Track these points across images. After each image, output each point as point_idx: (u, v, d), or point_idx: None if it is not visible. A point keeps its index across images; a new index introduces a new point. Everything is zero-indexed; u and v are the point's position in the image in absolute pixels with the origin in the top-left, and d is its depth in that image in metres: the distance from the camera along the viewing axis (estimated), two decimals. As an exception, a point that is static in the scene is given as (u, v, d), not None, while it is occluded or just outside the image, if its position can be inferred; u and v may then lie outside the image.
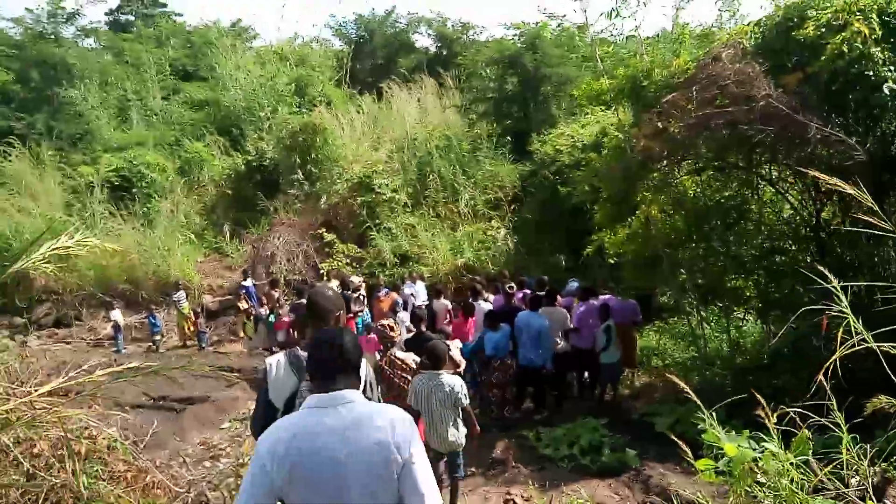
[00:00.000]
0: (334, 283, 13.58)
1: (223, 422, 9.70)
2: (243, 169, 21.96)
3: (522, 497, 5.37)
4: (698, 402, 3.42)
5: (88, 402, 5.28)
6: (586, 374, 10.04)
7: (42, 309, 17.96)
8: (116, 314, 15.20)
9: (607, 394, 9.54)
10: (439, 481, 5.26)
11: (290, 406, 3.05)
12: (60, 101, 24.90)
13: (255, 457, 2.25)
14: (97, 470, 4.23)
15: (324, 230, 18.22)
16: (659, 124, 7.68)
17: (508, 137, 19.85)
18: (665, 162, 8.53)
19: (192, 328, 15.17)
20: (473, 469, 6.37)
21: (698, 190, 9.28)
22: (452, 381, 5.52)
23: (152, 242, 18.84)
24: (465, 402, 5.56)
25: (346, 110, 23.84)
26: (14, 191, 20.51)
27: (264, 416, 3.08)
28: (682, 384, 3.62)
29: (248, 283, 15.24)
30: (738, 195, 8.54)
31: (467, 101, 23.04)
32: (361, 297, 12.63)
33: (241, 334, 14.77)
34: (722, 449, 3.21)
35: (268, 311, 13.60)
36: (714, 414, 3.30)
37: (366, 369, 3.13)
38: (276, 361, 3.24)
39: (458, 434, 5.49)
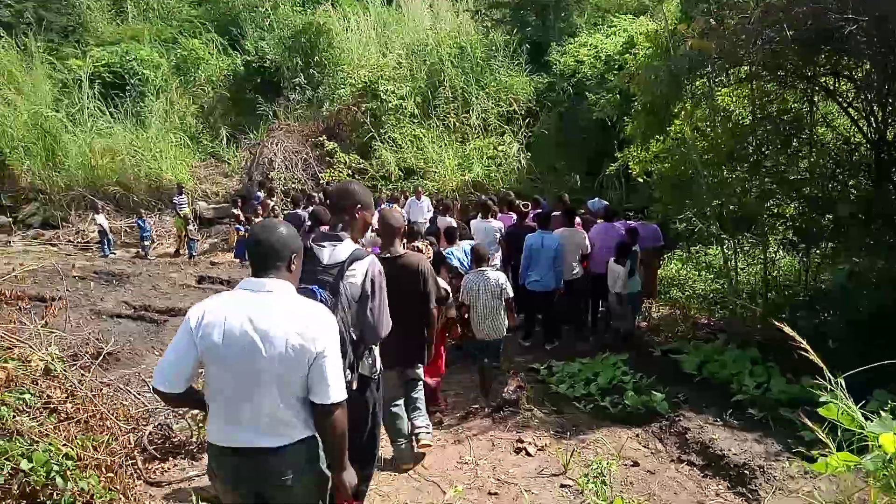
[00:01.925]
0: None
1: (208, 336, 9.00)
2: (242, 70, 20.67)
3: (535, 445, 4.63)
4: (811, 354, 2.46)
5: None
6: (601, 303, 9.25)
7: (29, 209, 17.18)
8: (101, 218, 14.39)
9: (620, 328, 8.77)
10: (483, 373, 6.24)
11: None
12: (50, -12, 23.30)
13: (184, 322, 2.37)
14: (23, 399, 3.44)
15: (325, 138, 17.16)
16: (711, 21, 6.56)
17: (525, 46, 18.40)
18: (711, 68, 7.44)
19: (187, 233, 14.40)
20: (478, 407, 5.61)
21: (745, 102, 8.21)
22: (497, 276, 6.26)
23: (144, 143, 17.86)
24: (510, 293, 6.23)
25: (353, 11, 22.21)
26: (-1, 84, 19.30)
27: None
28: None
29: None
30: (791, 109, 7.46)
31: (483, 6, 21.40)
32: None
33: (233, 244, 13.97)
34: (844, 428, 2.25)
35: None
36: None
37: (370, 270, 3.18)
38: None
39: (504, 322, 6.24)
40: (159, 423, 4.86)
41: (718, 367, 6.82)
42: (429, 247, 7.41)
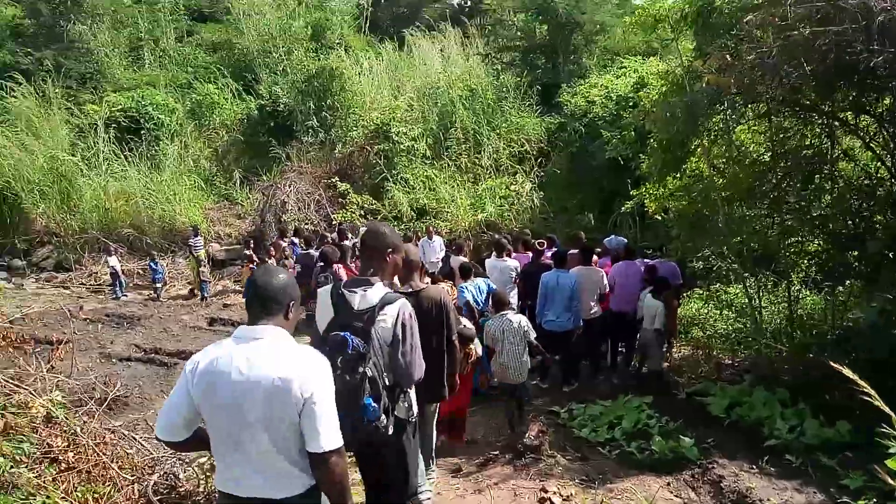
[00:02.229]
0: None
1: (217, 380, 8.80)
2: (256, 114, 20.86)
3: (560, 495, 4.38)
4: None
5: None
6: (621, 343, 9.01)
7: (43, 251, 17.24)
8: (113, 260, 14.38)
9: (646, 366, 8.52)
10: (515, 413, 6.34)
11: (325, 338, 3.06)
12: (70, 37, 23.74)
13: (182, 373, 2.37)
14: (21, 449, 3.26)
15: (337, 179, 17.18)
16: (728, 57, 6.47)
17: (536, 88, 18.51)
18: (728, 104, 7.35)
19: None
20: (497, 453, 5.36)
21: (762, 139, 8.08)
22: (519, 318, 6.33)
23: (158, 186, 17.96)
24: (532, 335, 6.31)
25: (365, 57, 22.51)
26: (18, 128, 19.53)
27: (318, 343, 3.07)
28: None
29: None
30: (811, 145, 7.30)
31: (493, 51, 21.63)
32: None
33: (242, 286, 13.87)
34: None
35: (274, 263, 12.71)
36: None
37: (401, 314, 3.14)
38: (326, 293, 3.25)
39: (527, 363, 6.36)
40: (165, 472, 4.65)
41: (748, 410, 6.55)
42: (453, 287, 7.38)
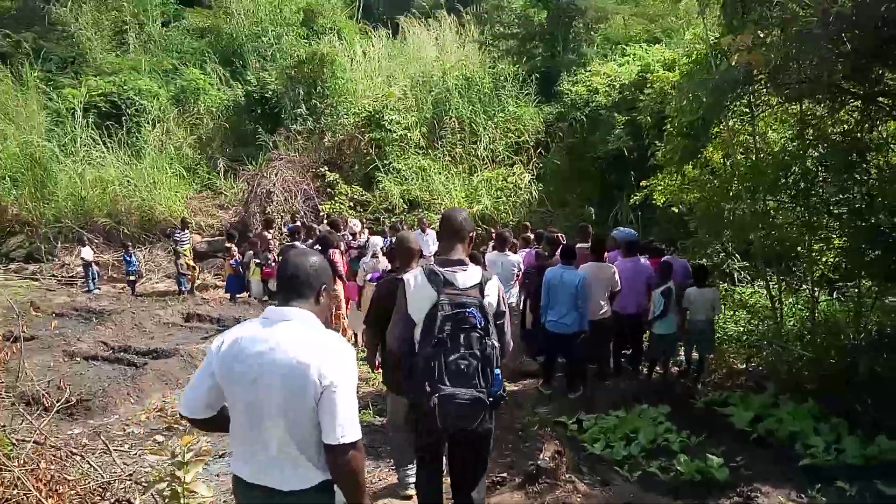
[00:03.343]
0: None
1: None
2: (243, 100, 20.13)
3: (582, 529, 3.73)
4: None
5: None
6: (625, 347, 8.38)
7: (14, 241, 16.40)
8: (86, 251, 13.58)
9: (656, 372, 7.89)
10: None
11: (431, 318, 3.08)
12: (51, 20, 22.82)
13: (208, 350, 2.35)
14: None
15: (326, 169, 16.44)
16: (760, 33, 5.83)
17: (535, 76, 17.79)
18: (759, 84, 6.70)
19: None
20: (506, 475, 4.68)
21: (787, 126, 7.47)
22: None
23: (138, 174, 17.15)
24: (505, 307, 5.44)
25: (357, 43, 21.71)
26: (-8, 113, 18.67)
27: (403, 331, 3.23)
28: None
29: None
30: (848, 132, 6.66)
31: (490, 38, 20.89)
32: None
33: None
34: None
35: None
36: None
37: (500, 290, 3.32)
38: (414, 277, 3.26)
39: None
40: (118, 500, 3.96)
41: (775, 424, 5.93)
42: None
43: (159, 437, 6.35)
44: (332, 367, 2.17)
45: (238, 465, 2.34)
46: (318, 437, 2.19)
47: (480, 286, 3.18)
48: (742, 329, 9.08)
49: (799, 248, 7.69)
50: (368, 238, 10.41)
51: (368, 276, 8.78)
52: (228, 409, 2.31)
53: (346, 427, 2.15)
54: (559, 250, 7.27)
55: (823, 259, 7.76)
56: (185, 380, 8.14)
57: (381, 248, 9.70)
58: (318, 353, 2.18)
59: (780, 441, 5.67)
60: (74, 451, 4.28)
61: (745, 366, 8.39)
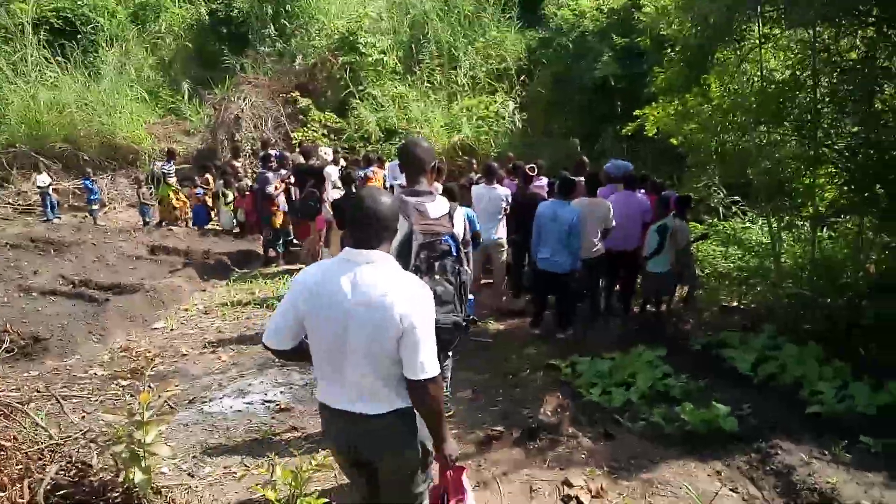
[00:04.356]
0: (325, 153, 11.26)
1: (157, 319, 7.56)
2: (207, 19, 18.90)
3: (587, 490, 3.39)
4: None
5: None
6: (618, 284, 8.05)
7: (-36, 167, 15.34)
8: (43, 178, 12.72)
9: (648, 310, 7.59)
10: None
11: (405, 248, 3.10)
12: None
13: (292, 285, 2.44)
14: None
15: (298, 94, 15.57)
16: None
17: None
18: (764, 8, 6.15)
19: (181, 204, 12.42)
20: (502, 430, 4.32)
21: (794, 53, 6.95)
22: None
23: (96, 97, 16.08)
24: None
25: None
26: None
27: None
28: None
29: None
30: (872, 57, 6.15)
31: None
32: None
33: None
34: None
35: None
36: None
37: (465, 218, 3.48)
38: None
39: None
40: (71, 460, 3.51)
41: (778, 369, 5.66)
42: None
43: (122, 381, 5.93)
44: (414, 307, 2.25)
45: (323, 393, 2.48)
46: (397, 371, 2.31)
47: (450, 215, 3.30)
48: (733, 266, 8.78)
49: (801, 182, 7.30)
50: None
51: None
52: (310, 342, 2.41)
53: (427, 364, 2.26)
54: (557, 184, 6.75)
55: (827, 195, 7.39)
56: (152, 316, 7.67)
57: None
58: (401, 294, 2.26)
59: (783, 386, 5.41)
60: (19, 405, 3.78)
61: (736, 304, 8.14)
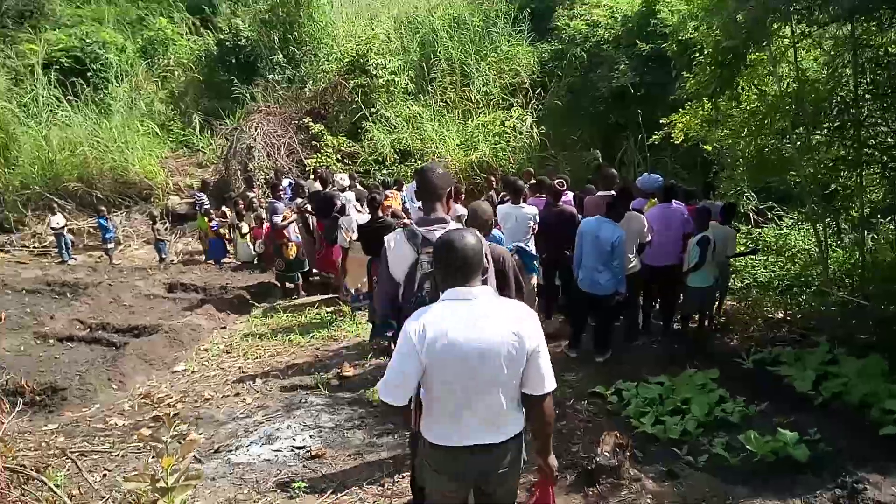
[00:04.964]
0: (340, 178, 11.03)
1: (177, 361, 7.27)
2: (215, 50, 18.84)
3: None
4: None
5: None
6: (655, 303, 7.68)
7: (-21, 211, 15.27)
8: (57, 219, 12.59)
9: (690, 328, 7.20)
10: None
11: (410, 278, 3.12)
12: (4, -32, 21.16)
13: (403, 338, 2.40)
14: None
15: (310, 120, 15.37)
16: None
17: (527, 11, 16.64)
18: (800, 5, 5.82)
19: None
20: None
21: (831, 53, 6.60)
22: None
23: (108, 133, 15.99)
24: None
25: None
26: (-57, 73, 17.31)
27: (389, 291, 3.23)
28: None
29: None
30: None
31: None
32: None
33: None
34: None
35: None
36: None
37: (484, 245, 2.90)
38: (394, 238, 3.27)
39: None
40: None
41: (841, 386, 5.25)
42: None
43: (145, 431, 5.62)
44: (534, 332, 2.38)
45: (442, 436, 2.49)
46: (518, 394, 2.45)
47: None
48: (773, 275, 8.37)
49: (845, 184, 6.92)
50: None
51: (356, 235, 8.00)
52: (432, 389, 2.43)
53: (549, 378, 2.41)
54: (608, 203, 6.39)
55: (872, 196, 7.00)
56: (171, 358, 7.38)
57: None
58: (523, 323, 2.38)
59: (850, 406, 5.00)
60: (36, 471, 3.49)
61: (782, 315, 7.72)
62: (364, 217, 8.38)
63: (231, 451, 5.01)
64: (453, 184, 3.39)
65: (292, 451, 4.96)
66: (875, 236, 7.49)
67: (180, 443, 5.19)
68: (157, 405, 6.13)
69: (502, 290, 3.44)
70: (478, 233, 2.57)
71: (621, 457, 3.70)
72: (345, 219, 8.39)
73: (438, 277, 2.58)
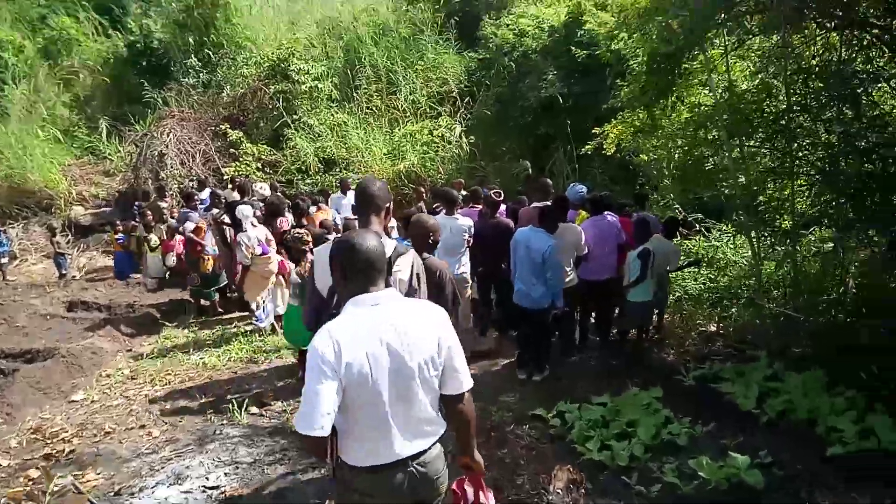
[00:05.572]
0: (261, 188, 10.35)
1: (76, 389, 6.52)
2: (124, 52, 17.82)
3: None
4: None
5: None
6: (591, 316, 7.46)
7: None
8: (-58, 231, 11.41)
9: (626, 343, 7.01)
10: None
11: (333, 292, 2.91)
12: None
13: (317, 361, 2.21)
14: None
15: (227, 127, 14.60)
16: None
17: (454, 20, 16.43)
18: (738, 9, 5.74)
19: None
20: (512, 501, 3.58)
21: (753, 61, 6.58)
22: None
23: (4, 139, 14.76)
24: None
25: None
26: None
27: (317, 304, 3.09)
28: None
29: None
30: (849, 59, 5.78)
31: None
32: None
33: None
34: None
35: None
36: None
37: (415, 265, 3.12)
38: (323, 250, 3.17)
39: None
40: None
41: (786, 403, 5.12)
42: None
43: (33, 472, 4.93)
44: (447, 328, 2.36)
45: (369, 456, 2.33)
46: (437, 394, 2.38)
47: (389, 260, 2.99)
48: (705, 287, 8.32)
49: (773, 196, 6.90)
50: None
51: (258, 250, 7.54)
52: (352, 406, 2.26)
53: (465, 376, 2.39)
54: (540, 212, 6.07)
55: (800, 207, 7.01)
56: (69, 387, 6.61)
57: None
58: (435, 321, 2.35)
59: (795, 424, 4.87)
60: None
61: (715, 329, 7.66)
62: (261, 231, 7.85)
63: (134, 493, 4.44)
64: (391, 199, 3.25)
65: (204, 492, 4.43)
66: (804, 249, 7.53)
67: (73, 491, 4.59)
68: (49, 441, 5.42)
69: (438, 304, 3.09)
70: (378, 236, 2.49)
71: (576, 495, 3.37)
72: (243, 234, 7.74)
73: (339, 283, 2.43)
